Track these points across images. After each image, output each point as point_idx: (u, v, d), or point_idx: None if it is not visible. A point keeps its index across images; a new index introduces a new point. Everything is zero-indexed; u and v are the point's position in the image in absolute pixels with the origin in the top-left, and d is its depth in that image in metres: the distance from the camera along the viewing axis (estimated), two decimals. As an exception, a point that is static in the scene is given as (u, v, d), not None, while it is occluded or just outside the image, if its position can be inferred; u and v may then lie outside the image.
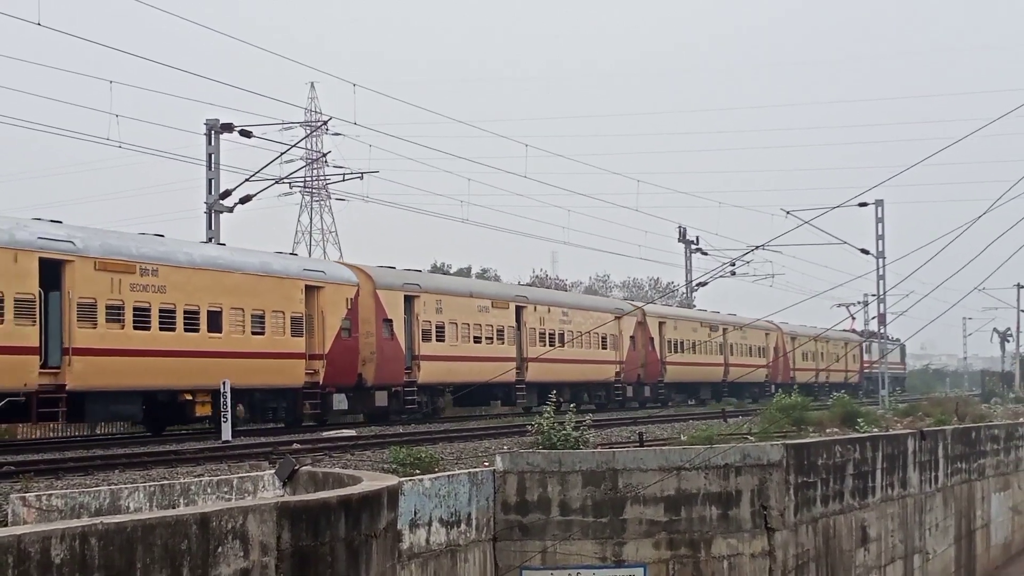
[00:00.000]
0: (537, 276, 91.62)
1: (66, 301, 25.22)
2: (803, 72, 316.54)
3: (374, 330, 34.67)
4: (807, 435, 25.89)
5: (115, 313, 26.23)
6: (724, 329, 56.91)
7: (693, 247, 67.22)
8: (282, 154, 38.05)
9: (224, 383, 26.18)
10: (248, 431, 29.12)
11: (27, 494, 13.08)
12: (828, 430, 28.24)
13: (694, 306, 65.90)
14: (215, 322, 28.74)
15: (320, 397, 32.43)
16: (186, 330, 27.89)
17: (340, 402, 33.64)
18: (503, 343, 41.03)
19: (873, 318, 51.63)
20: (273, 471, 15.19)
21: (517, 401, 42.33)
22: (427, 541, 15.82)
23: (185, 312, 27.91)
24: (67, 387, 25.03)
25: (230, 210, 35.69)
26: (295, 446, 21.83)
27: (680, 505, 18.80)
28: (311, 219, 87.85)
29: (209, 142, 35.57)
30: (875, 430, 28.45)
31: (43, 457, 20.36)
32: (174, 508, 13.12)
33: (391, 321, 35.52)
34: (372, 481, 12.37)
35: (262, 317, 30.19)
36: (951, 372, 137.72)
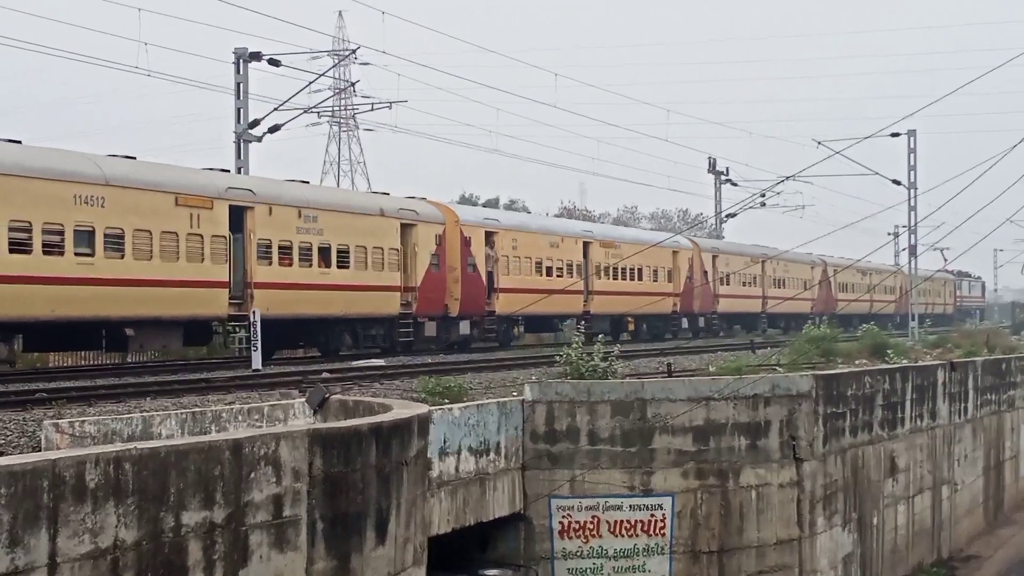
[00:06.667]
0: (565, 207, 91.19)
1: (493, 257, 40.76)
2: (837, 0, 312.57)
3: (699, 276, 53.29)
4: (836, 366, 25.81)
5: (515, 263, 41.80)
6: (870, 274, 73.00)
7: (723, 178, 66.79)
8: (310, 83, 37.81)
9: (253, 312, 26.32)
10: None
11: (60, 420, 13.17)
12: (857, 361, 28.14)
13: (723, 237, 65.77)
14: (640, 275, 48.51)
15: (676, 322, 51.89)
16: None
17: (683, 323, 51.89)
18: (756, 287, 60.27)
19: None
20: (303, 399, 15.26)
21: (759, 327, 58.63)
22: (456, 469, 15.90)
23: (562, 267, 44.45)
24: (495, 313, 39.76)
25: (259, 139, 35.68)
26: (325, 375, 21.95)
27: (708, 435, 18.81)
28: (339, 149, 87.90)
29: (237, 71, 35.44)
30: (904, 361, 28.34)
31: (75, 384, 20.52)
32: (206, 435, 13.20)
33: (706, 272, 54.19)
34: (402, 409, 12.41)
35: (656, 271, 49.79)
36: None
